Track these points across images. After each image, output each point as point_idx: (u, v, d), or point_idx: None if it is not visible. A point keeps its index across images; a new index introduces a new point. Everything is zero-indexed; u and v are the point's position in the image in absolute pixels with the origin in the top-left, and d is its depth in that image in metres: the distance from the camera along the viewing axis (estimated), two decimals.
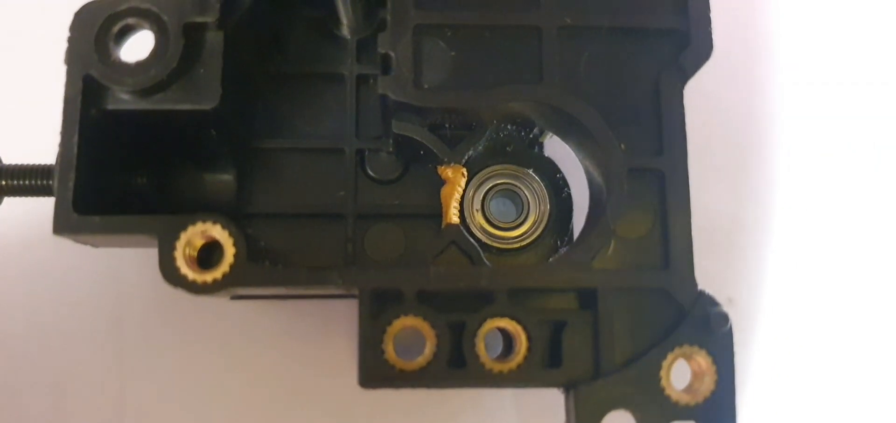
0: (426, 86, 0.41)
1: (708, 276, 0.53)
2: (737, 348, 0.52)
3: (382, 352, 0.38)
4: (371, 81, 0.46)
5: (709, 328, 0.38)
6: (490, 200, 0.44)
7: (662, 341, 0.38)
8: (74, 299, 0.52)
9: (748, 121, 0.57)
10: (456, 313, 0.38)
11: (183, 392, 0.52)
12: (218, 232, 0.38)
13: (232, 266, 0.38)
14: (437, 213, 0.44)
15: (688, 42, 0.41)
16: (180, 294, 0.50)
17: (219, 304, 0.52)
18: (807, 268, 0.55)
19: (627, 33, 0.41)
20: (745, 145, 0.57)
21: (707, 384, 0.37)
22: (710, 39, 0.41)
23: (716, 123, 0.56)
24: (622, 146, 0.40)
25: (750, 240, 0.55)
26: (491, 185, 0.45)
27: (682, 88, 0.41)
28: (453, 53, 0.41)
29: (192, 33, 0.40)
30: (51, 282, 0.52)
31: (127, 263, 0.52)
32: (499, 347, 0.41)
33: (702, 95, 0.55)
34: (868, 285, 0.55)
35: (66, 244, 0.50)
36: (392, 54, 0.40)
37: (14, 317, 0.52)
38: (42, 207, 0.50)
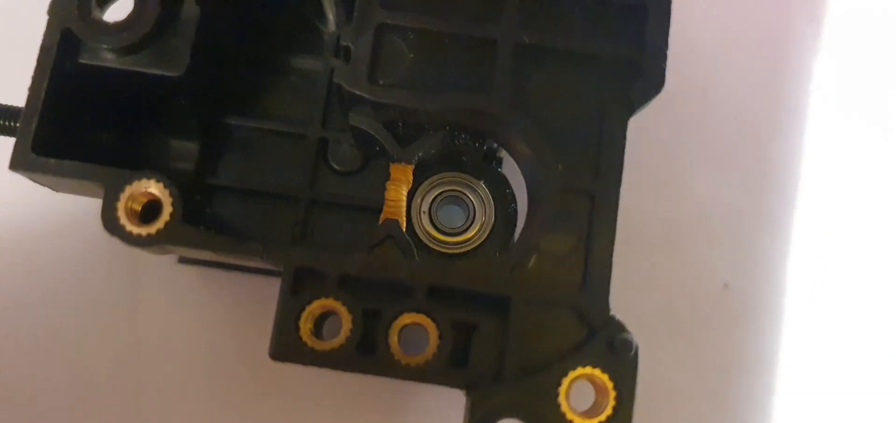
0: (381, 82, 0.42)
1: (704, 263, 0.54)
2: (731, 336, 0.53)
3: (297, 329, 0.39)
4: None
5: (614, 353, 0.37)
6: (439, 204, 0.45)
7: (567, 358, 0.38)
8: (90, 296, 0.54)
9: (743, 110, 0.57)
10: (375, 302, 0.39)
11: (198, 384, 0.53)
12: (160, 190, 0.40)
13: (167, 224, 0.39)
14: None
15: (640, 75, 0.41)
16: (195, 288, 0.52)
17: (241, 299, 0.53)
18: (803, 255, 0.55)
19: (582, 58, 0.41)
20: (741, 134, 0.57)
21: (605, 409, 0.37)
22: (663, 75, 0.41)
23: (710, 113, 0.57)
24: (560, 167, 0.40)
25: (745, 228, 0.55)
26: (442, 190, 0.45)
27: (628, 118, 0.41)
28: (412, 55, 0.42)
29: (170, 2, 0.42)
30: (66, 280, 0.54)
31: (140, 259, 0.53)
32: (418, 347, 0.41)
33: (696, 88, 0.56)
34: (867, 272, 0.55)
35: (82, 242, 0.53)
36: (352, 47, 0.42)
37: (30, 315, 0.53)
38: (55, 207, 0.53)
